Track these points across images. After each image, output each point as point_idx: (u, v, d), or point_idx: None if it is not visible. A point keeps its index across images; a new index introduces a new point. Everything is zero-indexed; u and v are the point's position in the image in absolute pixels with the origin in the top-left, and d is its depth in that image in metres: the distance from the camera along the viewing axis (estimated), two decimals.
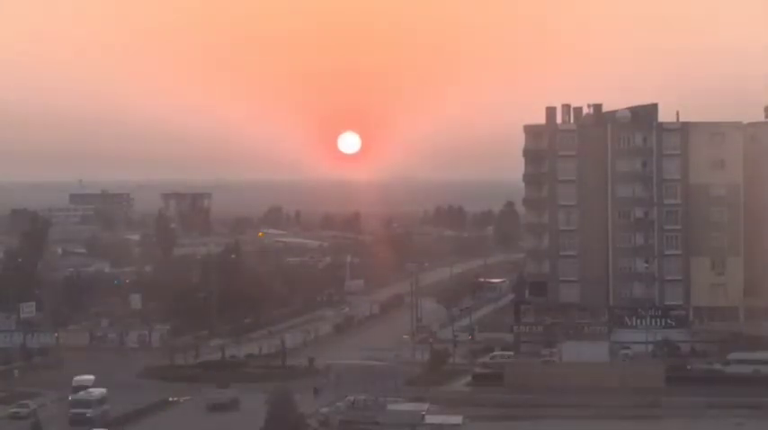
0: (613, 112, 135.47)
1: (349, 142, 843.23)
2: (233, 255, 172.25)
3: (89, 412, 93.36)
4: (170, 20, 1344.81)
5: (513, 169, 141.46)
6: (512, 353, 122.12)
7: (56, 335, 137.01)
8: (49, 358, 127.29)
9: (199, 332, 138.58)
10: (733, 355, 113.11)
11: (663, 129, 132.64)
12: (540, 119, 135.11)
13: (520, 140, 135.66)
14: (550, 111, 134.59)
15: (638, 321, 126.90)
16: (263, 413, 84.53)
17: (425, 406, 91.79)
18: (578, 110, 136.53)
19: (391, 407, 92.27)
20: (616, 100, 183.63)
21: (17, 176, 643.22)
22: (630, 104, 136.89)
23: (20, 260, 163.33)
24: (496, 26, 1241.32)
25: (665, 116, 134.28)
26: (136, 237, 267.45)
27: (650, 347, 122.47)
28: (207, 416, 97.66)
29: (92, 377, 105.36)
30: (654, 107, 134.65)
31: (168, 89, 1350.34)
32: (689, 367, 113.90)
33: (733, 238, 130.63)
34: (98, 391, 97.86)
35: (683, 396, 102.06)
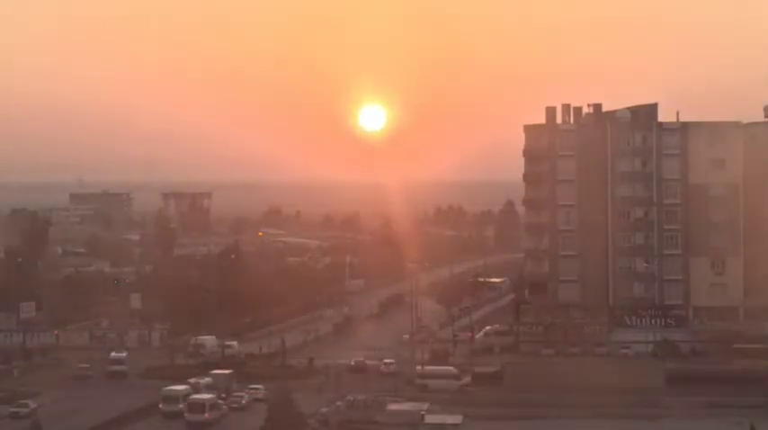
0: (613, 112, 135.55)
1: (372, 116, 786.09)
2: (233, 255, 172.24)
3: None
4: (169, 18, 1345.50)
5: (513, 169, 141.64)
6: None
7: (56, 334, 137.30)
8: (49, 358, 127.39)
9: (199, 332, 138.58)
10: None
11: (663, 129, 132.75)
12: (540, 119, 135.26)
13: (520, 140, 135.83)
14: (550, 111, 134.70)
15: (638, 321, 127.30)
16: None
17: (425, 406, 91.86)
18: (578, 110, 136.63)
19: (391, 407, 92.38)
20: (616, 100, 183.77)
21: (17, 176, 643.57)
22: (630, 104, 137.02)
23: (20, 260, 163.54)
24: (496, 26, 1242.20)
25: (665, 116, 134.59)
26: (136, 237, 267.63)
27: (650, 347, 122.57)
28: None
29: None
30: (654, 107, 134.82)
31: (168, 88, 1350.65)
32: None
33: (733, 238, 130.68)
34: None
35: (682, 396, 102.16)
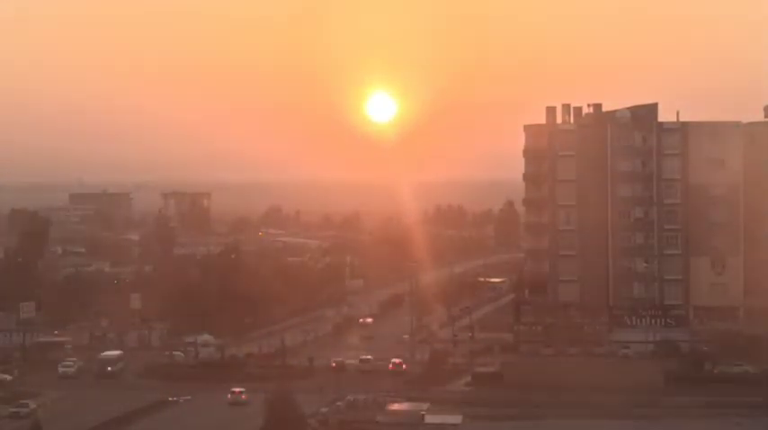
0: (613, 112, 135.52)
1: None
2: (233, 255, 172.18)
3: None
4: (169, 17, 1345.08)
5: (513, 169, 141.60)
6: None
7: (56, 334, 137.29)
8: (48, 358, 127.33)
9: (199, 332, 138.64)
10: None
11: (663, 128, 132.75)
12: (540, 119, 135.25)
13: (520, 140, 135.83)
14: (550, 111, 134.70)
15: (638, 321, 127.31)
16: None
17: (425, 406, 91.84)
18: (578, 110, 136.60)
19: (391, 407, 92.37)
20: (616, 100, 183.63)
21: (17, 176, 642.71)
22: (630, 104, 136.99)
23: (20, 260, 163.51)
24: (496, 26, 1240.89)
25: (665, 116, 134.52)
26: (136, 237, 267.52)
27: (650, 347, 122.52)
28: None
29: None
30: (654, 107, 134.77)
31: (168, 87, 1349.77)
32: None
33: (733, 238, 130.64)
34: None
35: (683, 396, 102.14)
